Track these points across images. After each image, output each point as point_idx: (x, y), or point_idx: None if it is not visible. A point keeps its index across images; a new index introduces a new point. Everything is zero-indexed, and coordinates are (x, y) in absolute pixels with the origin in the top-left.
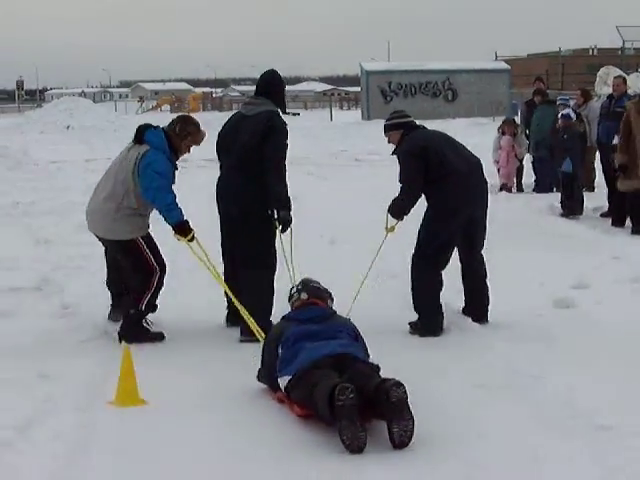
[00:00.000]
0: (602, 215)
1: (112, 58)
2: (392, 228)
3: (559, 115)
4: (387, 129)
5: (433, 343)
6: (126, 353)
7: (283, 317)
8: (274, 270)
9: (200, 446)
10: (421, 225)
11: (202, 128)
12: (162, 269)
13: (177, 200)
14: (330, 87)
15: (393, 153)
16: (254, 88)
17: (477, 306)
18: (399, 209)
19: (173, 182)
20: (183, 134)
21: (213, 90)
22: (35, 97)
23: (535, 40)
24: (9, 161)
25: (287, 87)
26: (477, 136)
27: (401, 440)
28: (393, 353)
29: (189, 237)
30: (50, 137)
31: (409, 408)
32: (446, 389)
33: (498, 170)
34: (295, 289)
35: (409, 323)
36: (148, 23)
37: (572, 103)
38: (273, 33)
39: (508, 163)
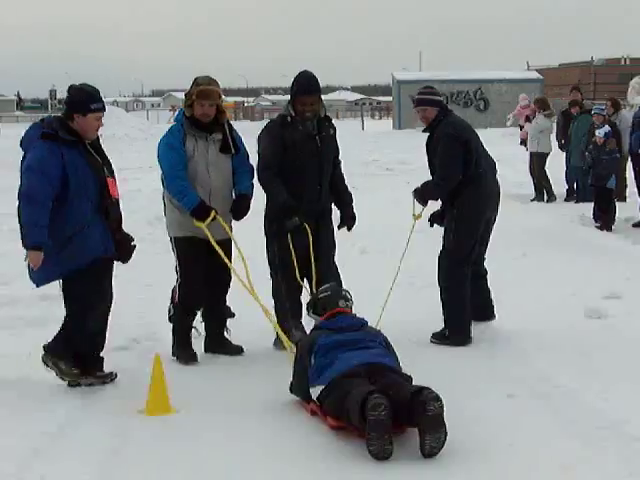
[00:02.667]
0: (634, 225)
1: (144, 68)
2: (420, 215)
3: (598, 133)
4: (424, 103)
5: (463, 352)
6: (157, 361)
7: (315, 327)
8: (283, 276)
9: (231, 456)
10: (448, 231)
11: (206, 83)
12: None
13: (184, 184)
14: (362, 97)
15: (426, 130)
16: (286, 98)
17: (487, 305)
18: (431, 194)
19: (185, 158)
20: (187, 98)
21: (245, 99)
22: None
23: (567, 50)
24: None
25: (324, 97)
26: (509, 146)
27: (431, 451)
28: (423, 363)
29: (207, 221)
30: None
31: (444, 422)
32: (477, 399)
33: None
34: (326, 296)
35: (433, 334)
36: (179, 33)
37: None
38: (305, 42)
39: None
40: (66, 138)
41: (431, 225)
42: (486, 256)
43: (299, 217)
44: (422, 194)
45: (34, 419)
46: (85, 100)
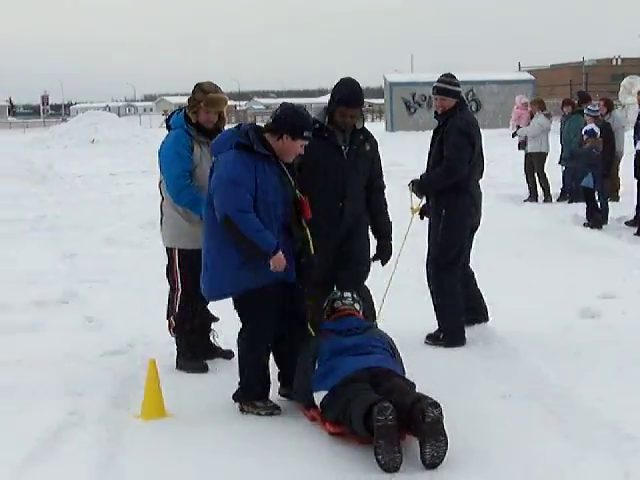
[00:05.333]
0: (627, 223)
1: (136, 72)
2: (418, 208)
3: (582, 131)
4: (446, 93)
5: (458, 353)
6: (151, 365)
7: (319, 328)
8: None
9: (227, 461)
10: (433, 233)
11: (213, 90)
12: (187, 292)
13: (194, 192)
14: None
15: (438, 117)
16: (279, 100)
17: (480, 307)
18: (433, 184)
19: (193, 161)
20: (192, 104)
21: (237, 103)
22: (60, 111)
23: (559, 50)
24: (34, 175)
25: (312, 100)
26: (501, 146)
27: (432, 461)
28: (417, 364)
29: None
30: (75, 151)
31: (443, 429)
32: (471, 399)
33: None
34: (330, 299)
35: (427, 335)
36: (171, 37)
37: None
38: (296, 46)
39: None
40: (261, 152)
41: (421, 218)
42: (476, 257)
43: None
44: (422, 186)
45: (28, 424)
46: (301, 125)
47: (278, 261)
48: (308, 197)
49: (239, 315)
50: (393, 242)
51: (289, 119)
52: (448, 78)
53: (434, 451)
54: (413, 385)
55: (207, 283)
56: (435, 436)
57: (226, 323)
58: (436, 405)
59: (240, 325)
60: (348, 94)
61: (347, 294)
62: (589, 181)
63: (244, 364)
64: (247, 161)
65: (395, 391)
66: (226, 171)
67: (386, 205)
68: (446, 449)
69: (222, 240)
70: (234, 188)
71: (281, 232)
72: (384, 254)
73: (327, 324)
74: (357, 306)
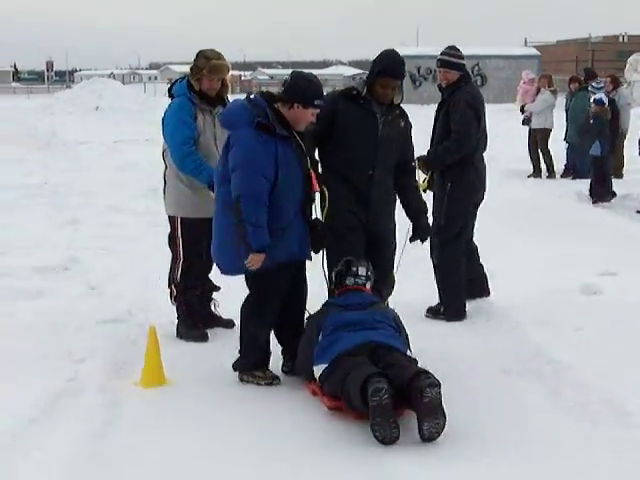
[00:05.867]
0: (638, 212)
1: (141, 40)
2: (425, 184)
3: (591, 99)
4: (449, 65)
5: (458, 328)
6: (152, 333)
7: (325, 303)
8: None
9: (225, 429)
10: (437, 207)
11: (216, 57)
12: (189, 259)
13: (199, 159)
14: (359, 71)
15: (443, 90)
16: (283, 71)
17: (481, 281)
18: (440, 159)
19: (196, 130)
20: (196, 71)
21: (242, 73)
22: (64, 78)
23: (564, 26)
24: (38, 141)
25: (316, 71)
26: (506, 122)
27: (430, 436)
28: (417, 337)
29: None
30: (79, 118)
31: (442, 409)
32: (471, 374)
33: (522, 108)
34: (339, 272)
35: (428, 308)
36: (177, 5)
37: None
38: (302, 17)
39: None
40: (282, 134)
41: (424, 191)
42: (478, 232)
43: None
44: (428, 161)
45: (27, 390)
46: (312, 94)
47: (256, 260)
48: (339, 161)
49: (249, 287)
50: (423, 222)
51: (300, 88)
52: (452, 51)
53: (432, 427)
54: (415, 361)
55: (219, 259)
56: (434, 414)
57: (227, 292)
58: (434, 385)
59: (246, 294)
60: (390, 65)
61: (362, 271)
62: (597, 149)
63: (246, 332)
64: (269, 144)
65: (393, 367)
66: (247, 153)
67: (417, 185)
68: (444, 425)
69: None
70: (253, 173)
71: (298, 211)
72: (422, 233)
73: (333, 299)
74: (368, 283)
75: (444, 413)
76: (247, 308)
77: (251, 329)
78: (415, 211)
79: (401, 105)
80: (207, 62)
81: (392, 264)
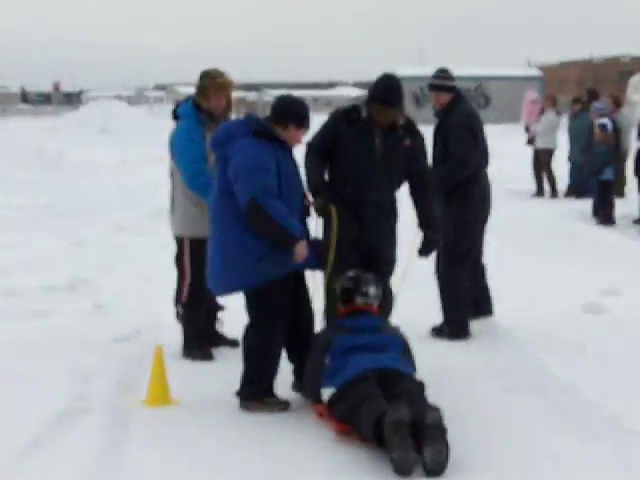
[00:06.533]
0: (635, 222)
1: (147, 61)
2: None
3: (596, 125)
4: (439, 89)
5: (461, 347)
6: (158, 352)
7: (333, 325)
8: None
9: (229, 450)
10: (444, 228)
11: (220, 75)
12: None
13: (208, 179)
14: (364, 92)
15: (437, 114)
16: (287, 93)
17: (486, 301)
18: (443, 182)
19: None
20: (202, 90)
21: (247, 94)
22: (71, 99)
23: (567, 47)
24: (45, 162)
25: (321, 92)
26: (509, 142)
27: (433, 467)
28: (421, 356)
29: None
30: (85, 139)
31: (444, 434)
32: (474, 393)
33: (527, 128)
34: (346, 290)
35: (432, 328)
36: (183, 27)
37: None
38: (307, 38)
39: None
40: (280, 138)
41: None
42: (484, 251)
43: (325, 196)
44: (436, 185)
45: (34, 409)
46: (304, 115)
47: (302, 248)
48: (336, 179)
49: (251, 307)
50: (429, 236)
51: (293, 109)
52: (442, 73)
53: (435, 455)
54: (422, 385)
55: (222, 276)
56: (435, 439)
57: (232, 312)
58: (433, 409)
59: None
60: (383, 93)
61: (372, 290)
62: (610, 174)
63: (253, 360)
64: (269, 148)
65: (402, 395)
66: (250, 157)
67: (432, 199)
68: (447, 455)
69: (243, 229)
70: (261, 173)
71: (298, 221)
72: (428, 247)
73: (341, 321)
74: (376, 302)
75: (447, 441)
76: (252, 334)
77: (259, 355)
78: (423, 226)
79: (410, 122)
80: (213, 80)
81: (388, 281)
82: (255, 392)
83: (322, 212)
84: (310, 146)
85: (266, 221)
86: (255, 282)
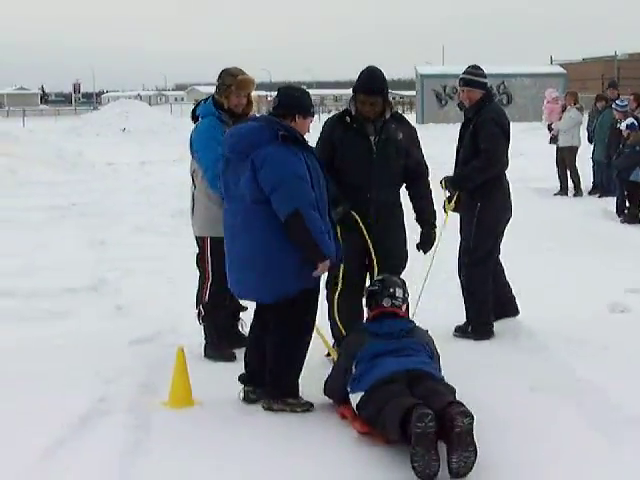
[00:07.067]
0: None
1: (168, 61)
2: (452, 205)
3: (623, 126)
4: (472, 84)
5: (486, 346)
6: (180, 353)
7: (361, 328)
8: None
9: (252, 450)
10: (466, 227)
11: (241, 73)
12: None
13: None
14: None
15: (466, 110)
16: (311, 92)
17: (509, 300)
18: (469, 179)
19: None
20: (223, 89)
21: (268, 94)
22: (91, 100)
23: (590, 44)
24: (65, 163)
25: (343, 91)
26: (532, 140)
27: (458, 471)
28: (445, 356)
29: None
30: (106, 139)
31: (473, 440)
32: (499, 392)
33: (549, 127)
34: (373, 292)
35: (456, 327)
36: (203, 27)
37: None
38: (329, 36)
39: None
40: (306, 142)
41: (454, 211)
42: (505, 250)
43: (344, 206)
44: (456, 182)
45: (57, 410)
46: (309, 103)
47: (324, 267)
48: (339, 184)
49: (285, 314)
50: (428, 231)
51: (298, 99)
52: (474, 69)
53: (461, 461)
54: (453, 390)
55: (266, 285)
56: (463, 446)
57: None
58: (466, 414)
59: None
60: (365, 82)
61: (399, 293)
62: (638, 175)
63: (287, 361)
64: (299, 155)
65: (429, 397)
66: (289, 167)
67: (429, 191)
68: (474, 459)
69: (285, 238)
70: (302, 183)
71: (328, 221)
72: (426, 242)
73: (368, 325)
74: (403, 305)
75: (475, 447)
76: (288, 337)
77: (293, 356)
78: (421, 222)
79: (398, 115)
80: (233, 79)
81: (398, 272)
82: (282, 393)
83: (344, 220)
84: None
85: (304, 233)
86: (297, 289)
